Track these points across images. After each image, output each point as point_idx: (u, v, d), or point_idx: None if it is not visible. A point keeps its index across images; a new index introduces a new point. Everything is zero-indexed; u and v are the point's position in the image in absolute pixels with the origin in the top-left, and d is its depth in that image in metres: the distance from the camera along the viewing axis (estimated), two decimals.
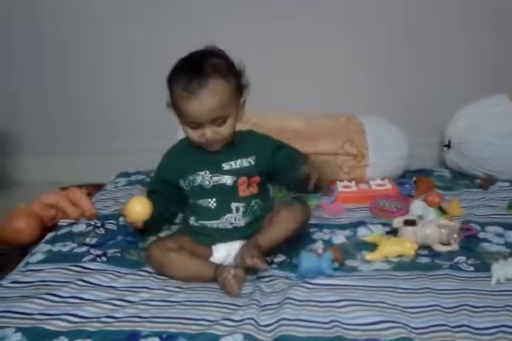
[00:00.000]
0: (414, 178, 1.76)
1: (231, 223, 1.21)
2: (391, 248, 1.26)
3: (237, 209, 1.21)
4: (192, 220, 1.24)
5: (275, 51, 1.98)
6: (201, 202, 1.22)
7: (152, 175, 1.35)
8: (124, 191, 1.72)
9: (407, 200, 1.53)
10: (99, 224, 1.43)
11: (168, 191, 1.25)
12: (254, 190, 1.23)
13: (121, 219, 1.47)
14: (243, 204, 1.21)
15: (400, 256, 1.25)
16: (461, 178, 1.80)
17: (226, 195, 1.21)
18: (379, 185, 1.66)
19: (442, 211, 1.49)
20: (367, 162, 1.72)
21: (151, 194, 1.25)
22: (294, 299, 1.06)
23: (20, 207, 1.57)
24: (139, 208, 1.13)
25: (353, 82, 2.04)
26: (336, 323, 0.99)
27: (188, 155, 1.22)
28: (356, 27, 2.00)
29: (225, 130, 1.15)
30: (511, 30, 2.00)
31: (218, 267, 1.13)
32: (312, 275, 1.15)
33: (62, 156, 2.16)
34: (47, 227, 1.53)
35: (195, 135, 1.15)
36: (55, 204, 1.56)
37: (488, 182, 1.71)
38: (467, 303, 1.03)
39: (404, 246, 1.26)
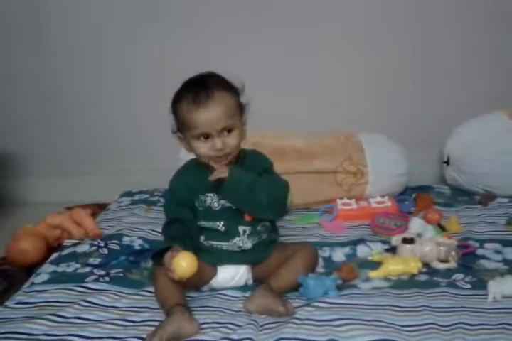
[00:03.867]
0: (413, 195, 1.78)
1: (239, 246, 1.24)
2: (395, 266, 1.27)
3: (244, 232, 1.23)
4: (201, 239, 1.25)
5: (275, 71, 2.01)
6: (211, 224, 1.23)
7: (164, 201, 1.32)
8: (127, 210, 1.75)
9: (407, 218, 1.54)
10: (102, 244, 1.46)
11: (188, 216, 1.23)
12: None
13: (125, 239, 1.50)
14: (249, 227, 1.23)
15: (402, 274, 1.26)
16: (461, 195, 1.81)
17: (233, 218, 1.23)
18: (378, 203, 1.68)
19: (441, 228, 1.51)
20: (366, 179, 1.74)
21: (172, 224, 1.23)
22: (294, 317, 1.08)
23: (25, 228, 1.61)
24: (184, 264, 1.10)
25: (353, 100, 2.06)
26: None
27: (199, 175, 1.23)
28: (355, 46, 2.03)
29: (232, 141, 1.17)
30: (510, 48, 2.03)
31: (172, 308, 1.08)
32: (319, 297, 1.15)
33: (66, 177, 2.19)
34: (52, 247, 1.57)
35: (205, 148, 1.17)
36: (59, 224, 1.60)
37: (487, 198, 1.72)
38: (463, 321, 1.04)
39: (408, 264, 1.27)
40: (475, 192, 1.79)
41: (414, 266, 1.27)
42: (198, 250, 1.22)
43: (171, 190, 1.28)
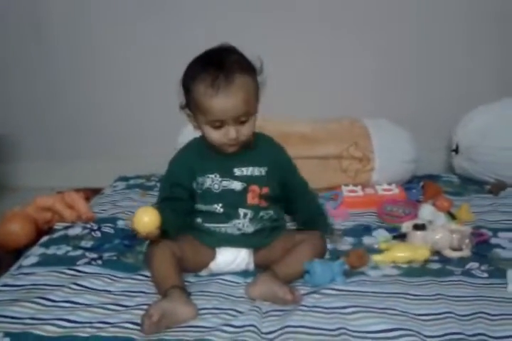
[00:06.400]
0: (421, 183, 1.71)
1: (239, 229, 1.16)
2: (401, 253, 1.20)
3: (245, 215, 1.16)
4: (199, 221, 1.18)
5: (280, 55, 1.93)
6: (208, 207, 1.16)
7: (161, 183, 1.27)
8: (122, 194, 1.68)
9: (416, 205, 1.48)
10: (95, 228, 1.39)
11: (181, 196, 1.16)
12: (263, 202, 1.17)
13: (119, 222, 1.43)
14: (250, 211, 1.16)
15: (410, 262, 1.19)
16: (470, 184, 1.74)
17: (234, 200, 1.16)
18: (386, 190, 1.61)
19: (452, 216, 1.44)
20: (373, 166, 1.67)
21: (163, 202, 1.16)
22: (300, 305, 1.01)
23: (14, 210, 1.53)
24: (146, 219, 1.05)
25: (360, 86, 2.00)
26: (343, 330, 0.93)
27: (200, 156, 1.17)
28: (362, 31, 1.97)
29: (247, 130, 1.10)
30: None
31: (169, 290, 1.01)
32: (325, 284, 1.08)
33: (59, 161, 2.12)
34: (42, 230, 1.49)
35: (216, 135, 1.10)
36: (50, 207, 1.52)
37: (498, 187, 1.65)
38: (483, 311, 0.98)
39: (416, 252, 1.20)
40: (485, 181, 1.73)
41: (421, 254, 1.19)
42: (195, 231, 1.18)
43: (169, 170, 1.21)
